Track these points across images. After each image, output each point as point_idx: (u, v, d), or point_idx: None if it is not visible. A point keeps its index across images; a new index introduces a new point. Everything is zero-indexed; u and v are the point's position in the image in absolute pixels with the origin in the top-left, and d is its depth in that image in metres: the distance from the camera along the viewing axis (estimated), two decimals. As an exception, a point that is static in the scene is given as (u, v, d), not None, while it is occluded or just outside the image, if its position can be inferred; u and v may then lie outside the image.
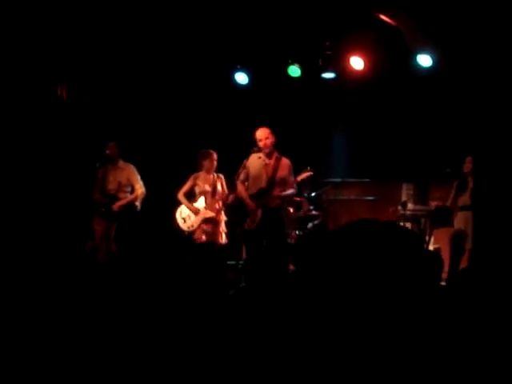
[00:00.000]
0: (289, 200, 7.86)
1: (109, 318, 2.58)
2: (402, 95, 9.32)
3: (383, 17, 8.54)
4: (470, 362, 1.77)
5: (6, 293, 2.95)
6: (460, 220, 7.89)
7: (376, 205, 9.21)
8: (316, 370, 1.78)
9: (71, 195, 8.69)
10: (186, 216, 8.06)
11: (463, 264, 7.46)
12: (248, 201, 7.21)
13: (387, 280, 1.78)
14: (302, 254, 3.38)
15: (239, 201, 7.40)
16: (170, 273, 2.98)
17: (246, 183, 7.35)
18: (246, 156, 7.30)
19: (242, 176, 7.33)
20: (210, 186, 8.00)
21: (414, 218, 8.41)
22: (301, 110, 9.82)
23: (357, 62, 9.03)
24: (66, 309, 2.66)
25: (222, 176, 8.07)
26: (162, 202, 8.33)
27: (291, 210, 8.59)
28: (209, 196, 8.01)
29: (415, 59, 8.63)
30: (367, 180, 9.74)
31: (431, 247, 8.29)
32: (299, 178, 7.31)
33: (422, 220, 8.34)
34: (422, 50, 8.58)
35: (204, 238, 7.90)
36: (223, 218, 8.06)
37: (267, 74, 9.48)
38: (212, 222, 7.97)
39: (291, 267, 3.75)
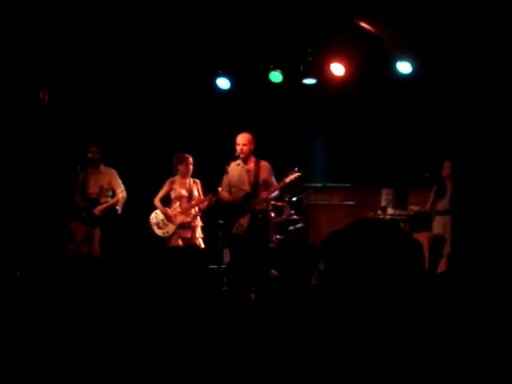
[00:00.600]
0: (270, 204, 7.89)
1: (93, 319, 2.59)
2: (381, 101, 9.40)
3: (364, 24, 8.64)
4: (454, 361, 1.83)
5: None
6: (438, 224, 7.99)
7: (356, 210, 9.27)
8: (309, 369, 1.82)
9: (52, 198, 8.67)
10: (160, 221, 7.96)
11: (441, 268, 7.55)
12: (237, 201, 7.20)
13: (389, 280, 1.83)
14: (282, 260, 3.42)
15: (226, 206, 7.39)
16: (154, 276, 3.01)
17: (230, 191, 7.37)
18: (227, 162, 7.33)
19: (224, 183, 7.36)
20: (186, 190, 7.92)
21: (393, 223, 8.50)
22: (282, 115, 9.85)
23: (337, 68, 9.09)
24: (50, 310, 2.66)
25: (198, 181, 8.02)
26: (144, 206, 8.32)
27: (272, 215, 8.62)
28: (185, 201, 7.92)
29: (395, 66, 8.73)
30: (347, 185, 9.80)
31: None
32: (288, 180, 7.26)
33: (402, 225, 8.43)
34: (402, 57, 8.67)
35: (181, 243, 7.80)
36: (199, 223, 8.01)
37: (249, 80, 9.53)
38: (188, 227, 7.90)
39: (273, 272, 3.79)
